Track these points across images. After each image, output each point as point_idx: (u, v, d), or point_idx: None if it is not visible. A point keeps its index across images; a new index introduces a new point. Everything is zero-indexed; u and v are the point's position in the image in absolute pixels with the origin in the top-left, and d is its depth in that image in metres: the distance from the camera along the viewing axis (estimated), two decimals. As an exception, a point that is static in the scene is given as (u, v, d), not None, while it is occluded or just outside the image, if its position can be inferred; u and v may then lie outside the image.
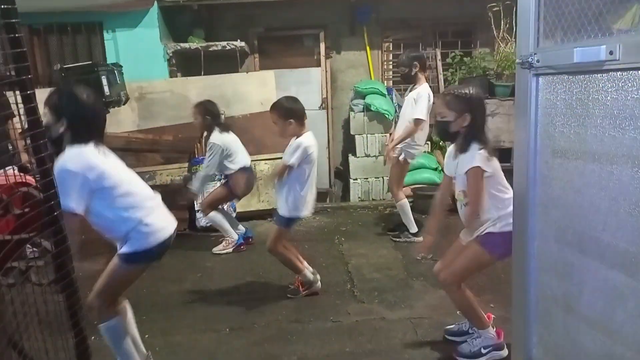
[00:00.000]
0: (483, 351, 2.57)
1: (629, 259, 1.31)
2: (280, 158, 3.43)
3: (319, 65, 6.75)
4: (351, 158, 6.19)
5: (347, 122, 6.50)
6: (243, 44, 5.87)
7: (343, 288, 3.63)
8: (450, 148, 2.66)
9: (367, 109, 5.98)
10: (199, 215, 5.00)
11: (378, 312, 3.23)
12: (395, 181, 4.48)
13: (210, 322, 3.18)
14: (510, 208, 2.37)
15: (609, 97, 1.35)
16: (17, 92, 1.51)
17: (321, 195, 6.39)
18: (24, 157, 1.65)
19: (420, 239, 4.48)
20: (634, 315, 1.32)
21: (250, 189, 4.50)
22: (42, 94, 1.89)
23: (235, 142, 4.28)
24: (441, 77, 6.35)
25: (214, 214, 4.38)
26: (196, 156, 5.39)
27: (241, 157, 4.30)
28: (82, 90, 2.26)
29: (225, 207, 4.80)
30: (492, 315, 2.74)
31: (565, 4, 1.45)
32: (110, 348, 2.36)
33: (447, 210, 2.76)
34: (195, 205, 4.99)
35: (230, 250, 4.45)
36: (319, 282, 3.52)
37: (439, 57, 6.42)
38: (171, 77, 5.83)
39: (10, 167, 1.95)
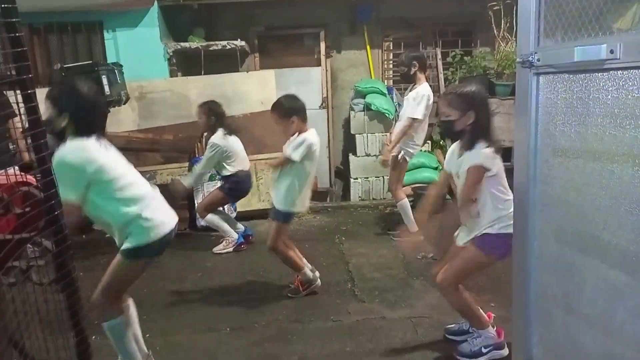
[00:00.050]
0: (484, 350, 2.57)
1: (629, 258, 1.31)
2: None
3: (319, 64, 6.75)
4: (351, 157, 6.19)
5: (347, 122, 6.50)
6: (243, 43, 5.87)
7: (343, 287, 3.64)
8: (454, 145, 2.63)
9: (367, 108, 5.97)
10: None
11: (378, 312, 3.23)
12: (395, 180, 4.48)
13: (211, 322, 3.18)
14: (510, 210, 2.37)
15: (609, 96, 1.34)
16: (18, 92, 1.51)
17: (321, 195, 6.40)
18: (26, 155, 1.65)
19: (421, 238, 4.49)
20: (634, 314, 1.31)
21: (245, 194, 4.51)
22: (42, 94, 1.90)
23: (237, 145, 4.29)
24: (441, 77, 6.35)
25: (211, 216, 4.39)
26: (196, 155, 5.39)
27: (240, 161, 4.30)
28: (83, 83, 2.26)
29: (226, 206, 4.81)
30: (493, 315, 2.74)
31: (566, 2, 1.45)
32: (113, 346, 2.37)
33: (440, 205, 2.75)
34: (195, 203, 5.00)
35: (231, 249, 4.45)
36: (319, 280, 3.52)
37: (439, 56, 6.42)
38: (171, 76, 5.83)
39: (11, 167, 1.95)
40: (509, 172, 2.23)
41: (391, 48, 6.85)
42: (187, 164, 5.24)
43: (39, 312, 1.70)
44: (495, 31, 5.87)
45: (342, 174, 6.81)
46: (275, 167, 3.30)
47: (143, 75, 5.56)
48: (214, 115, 4.24)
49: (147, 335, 2.66)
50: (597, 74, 1.38)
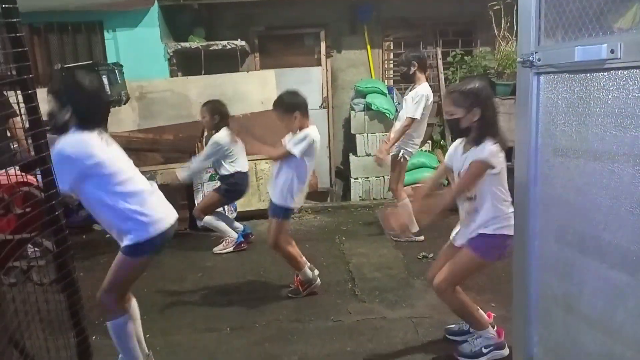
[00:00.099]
0: (484, 351, 2.57)
1: (629, 258, 1.31)
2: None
3: (319, 64, 6.75)
4: (352, 157, 6.19)
5: (347, 121, 6.50)
6: (243, 43, 5.87)
7: (344, 287, 3.64)
8: (457, 141, 2.60)
9: (367, 108, 5.97)
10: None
11: (379, 312, 3.23)
12: (395, 180, 4.48)
13: (211, 322, 3.18)
14: (508, 211, 2.37)
15: (610, 96, 1.34)
16: (19, 92, 1.51)
17: (322, 195, 6.41)
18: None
19: (421, 238, 4.50)
20: (634, 314, 1.31)
21: (241, 195, 4.51)
22: (42, 94, 1.90)
23: (239, 146, 4.29)
24: (442, 76, 6.35)
25: (208, 218, 4.39)
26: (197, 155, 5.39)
27: (240, 162, 4.31)
28: (85, 76, 2.26)
29: (226, 206, 4.81)
30: (493, 314, 2.74)
31: (567, 2, 1.45)
32: (114, 345, 2.37)
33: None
34: (195, 203, 5.00)
35: (231, 249, 4.46)
36: (318, 280, 3.52)
37: (439, 56, 6.42)
38: (172, 76, 5.83)
39: (12, 167, 1.95)
40: (509, 172, 2.22)
41: (391, 48, 6.85)
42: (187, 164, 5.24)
43: (40, 312, 1.70)
44: (495, 31, 5.87)
45: (342, 173, 6.81)
46: (275, 160, 3.30)
47: (143, 75, 5.56)
48: (218, 114, 4.25)
49: (147, 335, 2.66)
50: (597, 73, 1.38)
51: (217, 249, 4.47)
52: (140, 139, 5.38)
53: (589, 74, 1.41)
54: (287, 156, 3.19)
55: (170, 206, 2.41)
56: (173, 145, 5.39)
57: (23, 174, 1.80)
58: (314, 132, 3.24)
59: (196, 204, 4.97)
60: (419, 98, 4.17)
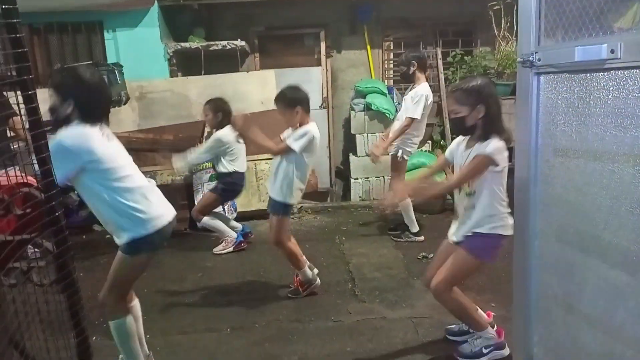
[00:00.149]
0: (484, 351, 2.56)
1: (630, 257, 1.31)
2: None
3: (319, 64, 6.75)
4: (352, 157, 6.20)
5: (347, 122, 6.50)
6: (243, 43, 5.87)
7: (344, 287, 3.64)
8: (461, 137, 2.58)
9: (367, 108, 5.98)
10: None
11: (379, 312, 3.23)
12: (396, 180, 4.48)
13: (211, 322, 3.18)
14: (504, 211, 2.37)
15: (610, 96, 1.34)
16: (19, 92, 1.51)
17: (322, 195, 6.41)
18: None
19: (421, 238, 4.50)
20: (634, 314, 1.31)
21: (237, 195, 4.51)
22: (42, 94, 1.90)
23: (240, 145, 4.29)
24: (442, 76, 6.35)
25: (207, 219, 4.39)
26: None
27: (239, 162, 4.31)
28: (86, 69, 2.25)
29: (226, 207, 4.81)
30: (492, 313, 2.74)
31: (567, 2, 1.45)
32: (114, 346, 2.37)
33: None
34: (195, 203, 5.00)
35: (231, 249, 4.46)
36: (318, 279, 3.52)
37: (439, 56, 6.42)
38: (171, 76, 5.83)
39: (12, 167, 1.95)
40: (509, 172, 2.22)
41: (391, 48, 6.85)
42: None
43: (40, 312, 1.70)
44: (495, 31, 5.87)
45: (342, 174, 6.82)
46: (275, 155, 3.29)
47: (143, 75, 5.56)
48: (221, 111, 4.25)
49: (147, 335, 2.66)
50: (597, 73, 1.38)
51: (217, 249, 4.47)
52: (140, 139, 5.38)
53: (589, 74, 1.41)
54: (287, 151, 3.18)
55: (169, 204, 2.40)
56: (173, 145, 5.39)
57: (23, 174, 1.80)
58: (314, 128, 3.23)
59: (196, 204, 4.97)
60: (418, 98, 4.17)
